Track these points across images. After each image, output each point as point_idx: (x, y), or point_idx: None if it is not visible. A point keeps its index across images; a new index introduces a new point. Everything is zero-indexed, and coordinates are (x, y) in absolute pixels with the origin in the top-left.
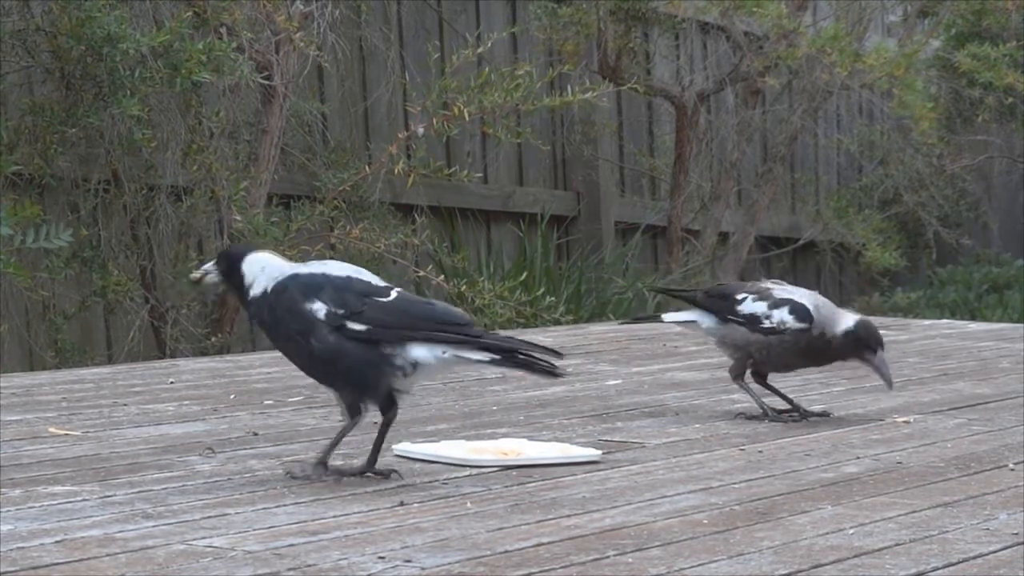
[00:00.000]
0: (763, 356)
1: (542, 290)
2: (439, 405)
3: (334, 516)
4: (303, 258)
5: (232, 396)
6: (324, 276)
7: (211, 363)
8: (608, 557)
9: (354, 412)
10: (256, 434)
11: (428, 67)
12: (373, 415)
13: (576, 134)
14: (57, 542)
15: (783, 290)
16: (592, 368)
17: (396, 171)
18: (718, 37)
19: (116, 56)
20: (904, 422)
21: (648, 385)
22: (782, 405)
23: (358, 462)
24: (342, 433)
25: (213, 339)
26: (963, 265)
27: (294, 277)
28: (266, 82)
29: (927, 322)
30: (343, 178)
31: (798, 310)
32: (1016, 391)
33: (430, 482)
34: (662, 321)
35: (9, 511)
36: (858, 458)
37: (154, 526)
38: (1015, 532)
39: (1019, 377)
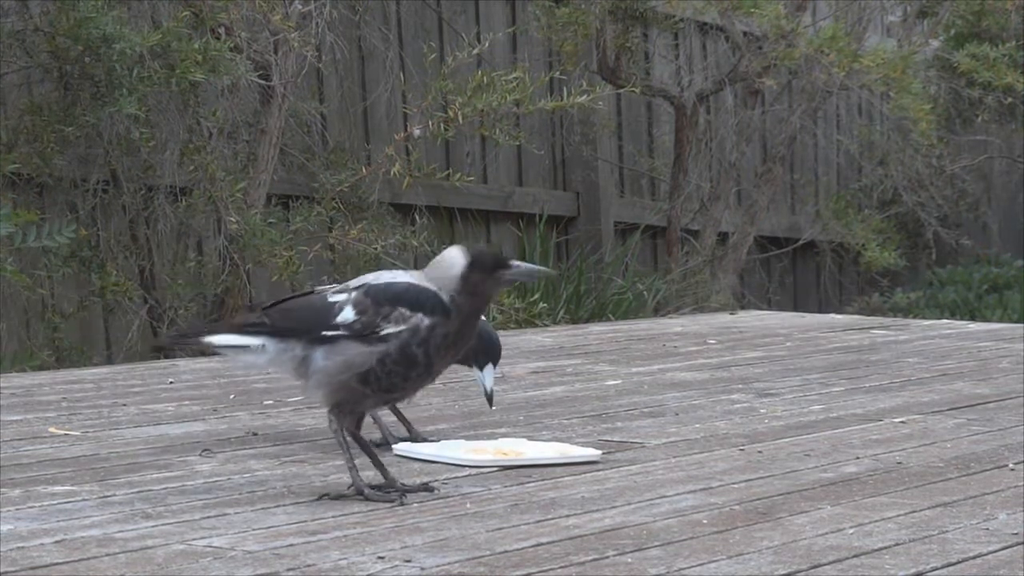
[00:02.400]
0: None
1: (536, 296)
2: (439, 405)
3: (333, 516)
4: (301, 258)
5: (232, 396)
6: None
7: (210, 363)
8: (608, 557)
9: None
10: (256, 434)
11: (427, 68)
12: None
13: (575, 134)
14: (57, 542)
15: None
16: (592, 368)
17: (393, 172)
18: (717, 37)
19: (113, 56)
20: (901, 422)
21: (648, 385)
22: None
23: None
24: None
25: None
26: (963, 265)
27: None
28: (264, 82)
29: (927, 322)
30: (341, 179)
31: None
32: (1016, 391)
33: (430, 482)
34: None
35: (9, 511)
36: (858, 458)
37: (153, 526)
38: (1015, 532)
39: (1019, 377)
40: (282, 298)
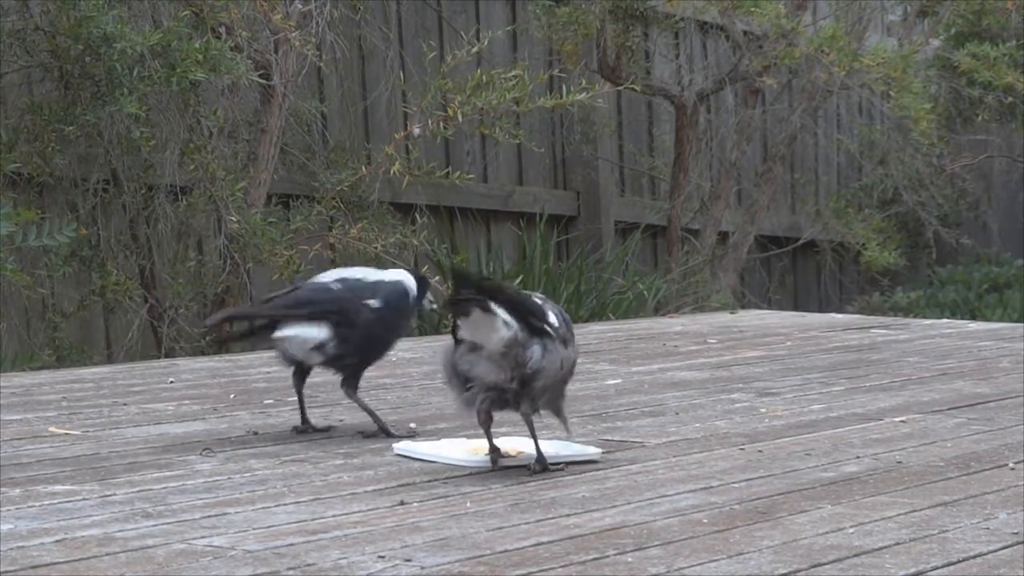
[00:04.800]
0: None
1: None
2: (439, 404)
3: (334, 515)
4: (301, 258)
5: (232, 396)
6: None
7: (211, 363)
8: (608, 556)
9: None
10: (256, 433)
11: (427, 66)
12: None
13: (576, 133)
14: (57, 541)
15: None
16: (592, 367)
17: (393, 171)
18: (717, 36)
19: (114, 55)
20: (901, 422)
21: (648, 384)
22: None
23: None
24: None
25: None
26: (963, 265)
27: None
28: (265, 82)
29: (927, 322)
30: (341, 178)
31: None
32: (1016, 391)
33: (430, 481)
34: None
35: (9, 510)
36: (858, 457)
37: (154, 525)
38: (1015, 531)
39: (1019, 377)
40: (493, 284)
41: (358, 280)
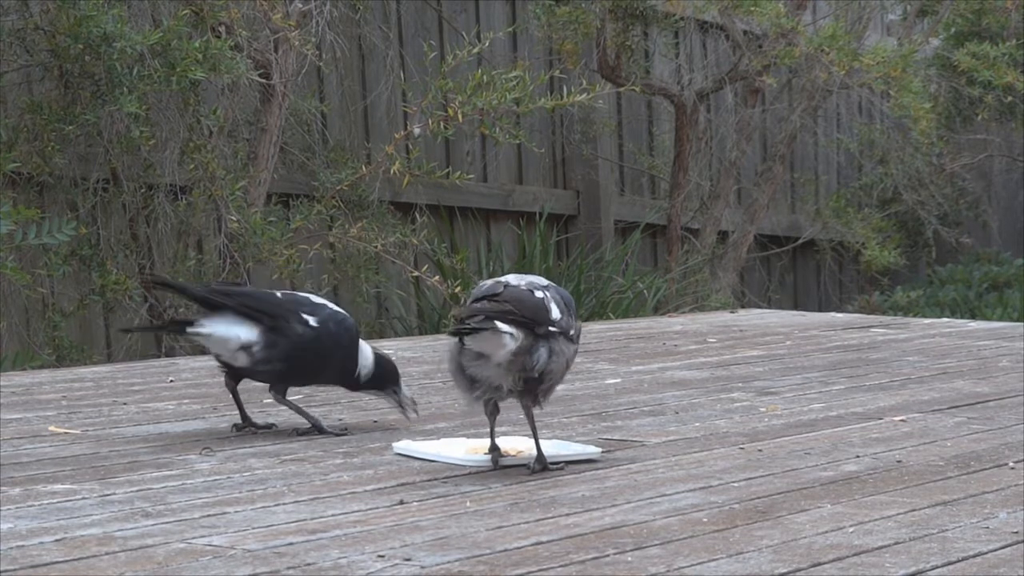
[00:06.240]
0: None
1: None
2: (439, 404)
3: (333, 515)
4: (301, 257)
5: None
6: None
7: (211, 362)
8: (607, 556)
9: None
10: (256, 432)
11: (427, 66)
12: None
13: (576, 133)
14: (56, 541)
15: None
16: (591, 367)
17: (393, 171)
18: (717, 36)
19: (114, 54)
20: (901, 421)
21: (648, 384)
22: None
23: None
24: None
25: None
26: (963, 264)
27: None
28: (265, 81)
29: (927, 321)
30: (341, 177)
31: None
32: (1015, 390)
33: (430, 480)
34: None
35: (9, 509)
36: (858, 457)
37: (153, 525)
38: (1015, 531)
39: (1018, 376)
40: (490, 293)
41: (305, 296)
